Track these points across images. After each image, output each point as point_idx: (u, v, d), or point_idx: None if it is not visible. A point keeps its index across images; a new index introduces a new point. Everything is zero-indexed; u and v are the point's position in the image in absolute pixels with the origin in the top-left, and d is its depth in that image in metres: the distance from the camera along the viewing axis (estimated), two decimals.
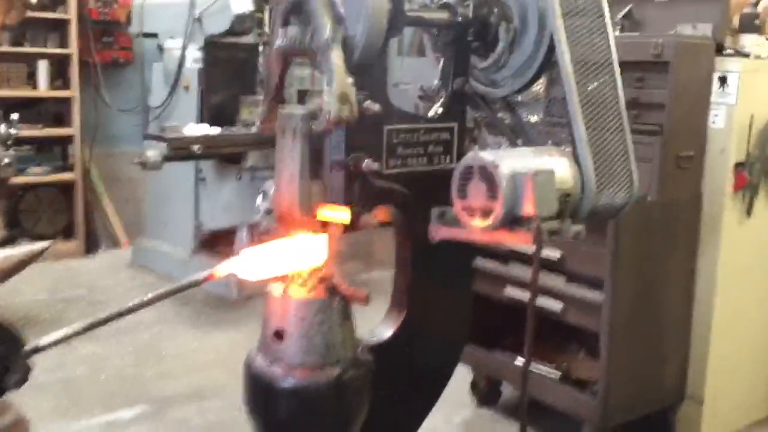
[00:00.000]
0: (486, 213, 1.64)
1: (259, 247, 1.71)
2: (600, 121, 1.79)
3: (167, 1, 5.36)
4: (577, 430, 2.96)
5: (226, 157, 4.60)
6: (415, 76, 4.78)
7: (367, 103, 1.70)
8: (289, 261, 1.74)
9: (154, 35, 5.42)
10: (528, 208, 1.60)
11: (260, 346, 1.83)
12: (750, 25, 3.16)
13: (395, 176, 1.85)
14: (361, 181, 1.76)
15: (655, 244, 2.90)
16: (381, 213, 1.85)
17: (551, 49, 1.80)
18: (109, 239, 6.09)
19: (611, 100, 1.83)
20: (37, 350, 1.48)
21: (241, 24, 4.75)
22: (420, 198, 1.87)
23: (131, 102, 6.13)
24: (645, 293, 2.90)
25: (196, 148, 4.17)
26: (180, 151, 4.17)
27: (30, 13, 5.36)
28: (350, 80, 1.59)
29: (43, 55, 5.71)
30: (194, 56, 4.98)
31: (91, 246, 5.93)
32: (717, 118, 2.93)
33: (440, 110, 1.96)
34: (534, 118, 1.91)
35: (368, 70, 1.71)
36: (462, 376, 3.31)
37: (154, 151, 3.95)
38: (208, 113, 4.79)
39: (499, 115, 2.02)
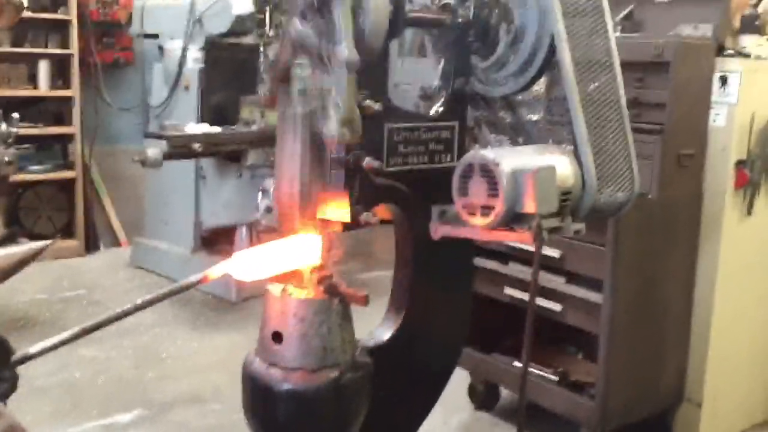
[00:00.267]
0: (487, 210, 1.64)
1: (254, 248, 1.69)
2: (601, 120, 1.79)
3: (168, 2, 5.36)
4: None
5: (227, 155, 4.59)
6: (415, 77, 4.78)
7: (368, 102, 1.70)
8: (286, 260, 1.73)
9: (155, 36, 5.41)
10: (529, 206, 1.60)
11: (258, 347, 1.82)
12: (750, 25, 3.16)
13: (396, 174, 1.85)
14: (362, 178, 1.75)
15: (656, 242, 2.90)
16: (381, 211, 1.84)
17: (552, 49, 1.79)
18: (109, 237, 6.09)
19: (612, 99, 1.83)
20: (26, 359, 1.44)
21: (241, 25, 4.75)
22: (421, 196, 1.87)
23: (131, 102, 6.13)
24: (645, 292, 2.90)
25: (196, 145, 4.17)
26: (180, 148, 4.18)
27: (31, 14, 5.38)
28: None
29: (44, 56, 5.71)
30: (195, 57, 4.98)
31: (91, 244, 5.92)
32: (718, 117, 2.94)
33: (441, 109, 1.95)
34: (535, 117, 1.91)
35: (369, 71, 1.70)
36: (460, 380, 3.29)
37: (154, 149, 3.95)
38: (208, 113, 4.80)
39: (500, 114, 2.02)
